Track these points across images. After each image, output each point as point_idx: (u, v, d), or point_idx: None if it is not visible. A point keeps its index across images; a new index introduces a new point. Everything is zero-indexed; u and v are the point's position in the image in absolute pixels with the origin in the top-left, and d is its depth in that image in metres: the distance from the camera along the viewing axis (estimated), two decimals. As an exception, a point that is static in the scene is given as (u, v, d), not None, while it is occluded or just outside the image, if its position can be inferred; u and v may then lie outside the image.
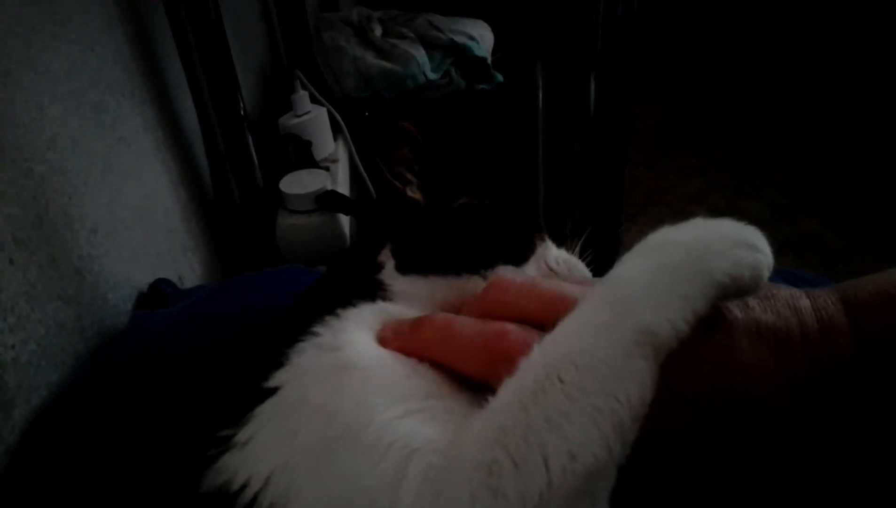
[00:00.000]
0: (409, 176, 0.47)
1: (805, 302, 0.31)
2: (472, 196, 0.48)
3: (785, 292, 0.32)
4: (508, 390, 0.30)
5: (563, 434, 0.27)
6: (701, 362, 0.30)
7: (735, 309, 0.31)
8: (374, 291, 0.41)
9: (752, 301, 0.32)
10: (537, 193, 1.28)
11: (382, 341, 0.37)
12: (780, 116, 2.42)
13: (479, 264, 0.43)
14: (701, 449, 0.31)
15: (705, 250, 0.31)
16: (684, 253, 0.31)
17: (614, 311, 0.30)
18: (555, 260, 0.46)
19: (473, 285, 0.42)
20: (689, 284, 0.30)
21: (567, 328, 0.31)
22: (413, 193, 0.46)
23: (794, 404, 0.29)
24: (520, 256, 0.44)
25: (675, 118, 2.49)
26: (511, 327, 0.34)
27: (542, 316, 0.33)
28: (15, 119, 0.51)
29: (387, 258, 0.44)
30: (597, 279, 0.38)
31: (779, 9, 2.66)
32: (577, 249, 0.48)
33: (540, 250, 0.46)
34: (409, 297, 0.41)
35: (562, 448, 0.27)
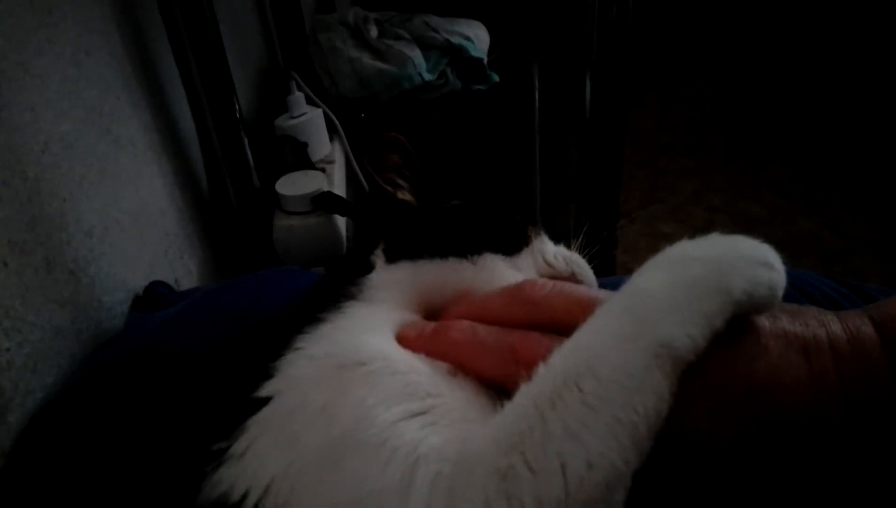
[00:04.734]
0: (399, 181, 0.47)
1: (831, 316, 0.32)
2: (466, 199, 0.48)
3: (812, 309, 0.32)
4: (525, 396, 0.30)
5: (581, 443, 0.27)
6: (734, 366, 0.30)
7: (763, 319, 0.31)
8: (350, 291, 0.40)
9: (779, 313, 0.32)
10: (534, 193, 1.28)
11: (403, 339, 0.37)
12: (777, 117, 2.42)
13: (466, 249, 0.42)
14: (728, 454, 0.30)
15: (725, 267, 0.31)
16: (704, 269, 0.31)
17: (635, 323, 0.30)
18: (553, 255, 0.46)
19: (462, 276, 0.41)
20: (709, 300, 0.30)
21: (586, 336, 0.31)
22: (404, 195, 0.47)
23: (828, 414, 0.29)
24: (511, 245, 0.44)
25: (672, 119, 2.49)
26: (535, 334, 0.34)
27: (570, 318, 0.33)
28: (9, 122, 0.50)
29: (378, 257, 0.44)
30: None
31: (775, 9, 2.67)
32: (577, 246, 0.48)
33: (536, 244, 0.46)
34: (392, 287, 0.41)
35: (580, 457, 0.27)
